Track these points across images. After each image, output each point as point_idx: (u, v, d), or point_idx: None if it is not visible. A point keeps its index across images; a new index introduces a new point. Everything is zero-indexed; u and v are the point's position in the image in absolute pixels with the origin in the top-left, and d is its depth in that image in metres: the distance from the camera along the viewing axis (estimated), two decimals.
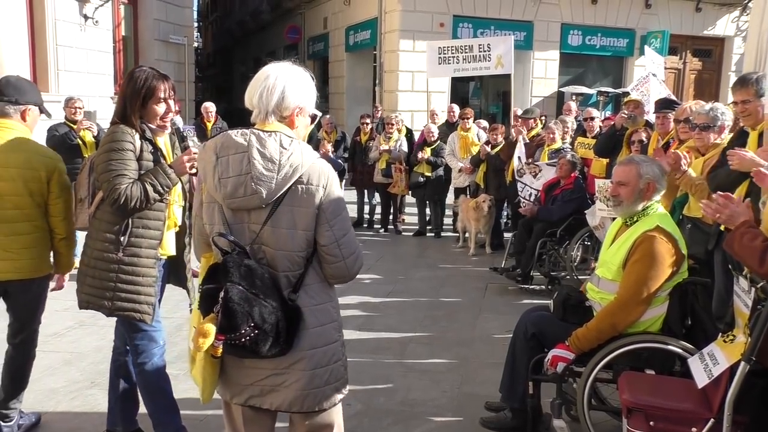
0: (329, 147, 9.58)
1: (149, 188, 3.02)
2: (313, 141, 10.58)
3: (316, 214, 2.20)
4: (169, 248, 3.31)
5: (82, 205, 3.22)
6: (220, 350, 2.10)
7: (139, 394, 3.45)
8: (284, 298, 2.17)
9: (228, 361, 2.27)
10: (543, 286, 6.97)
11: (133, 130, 3.08)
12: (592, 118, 8.09)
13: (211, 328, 2.06)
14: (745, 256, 2.69)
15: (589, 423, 3.35)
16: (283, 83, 2.24)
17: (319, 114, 2.42)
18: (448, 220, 10.18)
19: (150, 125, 3.15)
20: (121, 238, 3.06)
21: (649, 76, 7.46)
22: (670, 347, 3.25)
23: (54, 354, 4.76)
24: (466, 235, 8.92)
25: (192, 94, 17.31)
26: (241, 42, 30.15)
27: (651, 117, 6.74)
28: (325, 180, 2.22)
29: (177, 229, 3.35)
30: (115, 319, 3.26)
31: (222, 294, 2.06)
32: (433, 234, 9.81)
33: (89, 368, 4.56)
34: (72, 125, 7.13)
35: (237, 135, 2.19)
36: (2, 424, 3.56)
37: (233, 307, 2.04)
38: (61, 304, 5.85)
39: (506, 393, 3.71)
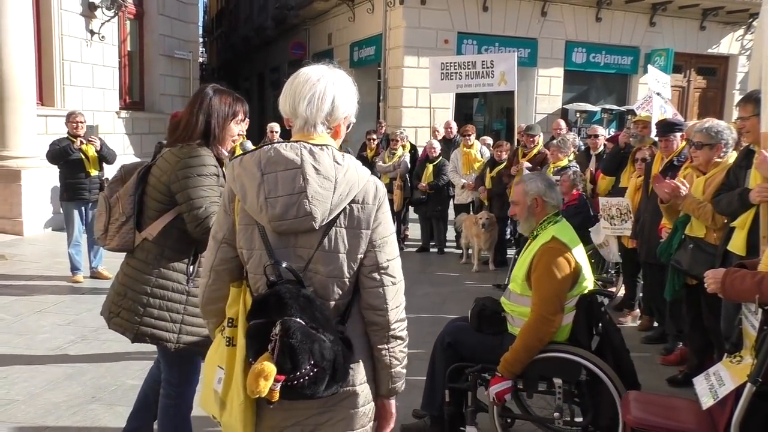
0: None
1: None
2: None
3: (368, 235, 1.96)
4: None
5: (121, 225, 2.92)
6: (277, 394, 1.81)
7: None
8: (336, 329, 1.92)
9: (261, 403, 1.95)
10: None
11: (211, 153, 2.92)
12: (596, 136, 8.08)
13: (272, 369, 1.79)
14: (744, 298, 2.79)
15: (498, 429, 3.53)
16: (334, 90, 1.99)
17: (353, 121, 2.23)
18: (451, 236, 10.16)
19: (222, 148, 2.99)
20: (191, 268, 2.92)
21: (652, 96, 7.45)
22: (575, 357, 3.33)
23: (55, 368, 4.74)
24: (470, 251, 8.90)
25: None
26: (245, 57, 30.32)
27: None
28: (380, 198, 1.99)
29: None
30: (118, 337, 3.07)
31: (278, 329, 1.80)
32: (436, 250, 9.79)
33: (90, 383, 4.53)
34: (74, 140, 7.14)
35: (286, 149, 1.92)
36: None
37: (295, 345, 1.79)
38: (62, 318, 5.86)
39: (426, 401, 3.76)
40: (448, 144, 10.05)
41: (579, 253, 3.44)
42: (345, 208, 1.92)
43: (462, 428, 3.63)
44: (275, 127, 11.12)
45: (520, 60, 12.28)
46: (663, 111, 7.00)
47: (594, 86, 17.41)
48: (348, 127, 2.11)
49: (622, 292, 6.98)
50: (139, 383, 4.45)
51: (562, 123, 10.28)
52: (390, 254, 2.00)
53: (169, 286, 2.89)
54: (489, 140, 10.89)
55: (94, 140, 7.12)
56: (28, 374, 4.63)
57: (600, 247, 6.65)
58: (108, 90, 13.24)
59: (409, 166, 9.72)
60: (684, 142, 5.43)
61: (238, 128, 3.06)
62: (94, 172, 7.10)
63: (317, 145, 1.94)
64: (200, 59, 19.08)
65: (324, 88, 1.97)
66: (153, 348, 3.01)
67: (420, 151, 10.52)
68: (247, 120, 3.14)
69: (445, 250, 9.79)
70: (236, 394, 1.93)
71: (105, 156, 7.29)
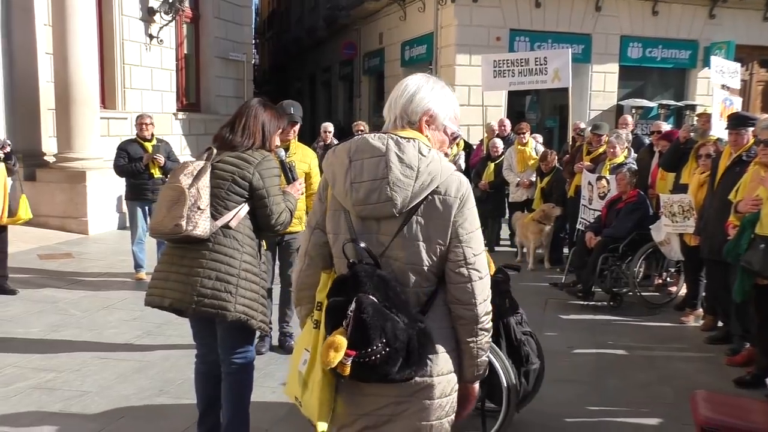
0: None
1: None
2: None
3: (450, 227, 2.00)
4: None
5: (202, 213, 3.12)
6: (348, 368, 1.86)
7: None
8: (414, 316, 1.95)
9: (341, 387, 2.03)
10: (605, 303, 6.84)
11: None
12: (660, 132, 7.89)
13: (343, 342, 1.85)
14: None
15: None
16: (415, 87, 2.09)
17: (460, 134, 2.29)
18: (505, 235, 10.09)
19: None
20: (260, 254, 3.36)
21: (716, 89, 7.25)
22: None
23: (124, 362, 4.90)
24: (524, 250, 8.83)
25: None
26: (297, 58, 30.66)
27: (719, 131, 6.55)
28: (464, 192, 2.01)
29: None
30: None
31: (353, 306, 1.87)
32: (487, 249, 9.73)
33: (157, 377, 4.67)
34: (142, 142, 7.35)
35: (374, 138, 2.03)
36: None
37: (366, 320, 1.85)
38: (128, 314, 6.05)
39: None
40: (503, 141, 9.98)
41: None
42: (427, 197, 1.97)
43: None
44: (329, 127, 11.25)
45: (574, 56, 12.08)
46: (728, 104, 6.81)
47: (650, 82, 17.04)
48: (454, 139, 2.18)
49: (683, 291, 6.83)
50: None
51: (629, 118, 10.03)
52: (476, 249, 2.03)
53: (251, 270, 3.25)
54: (540, 138, 10.78)
55: (159, 158, 7.27)
56: (98, 367, 4.80)
57: (661, 244, 6.53)
58: (166, 92, 13.59)
59: (463, 165, 9.69)
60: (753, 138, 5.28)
61: (277, 140, 3.56)
62: (157, 174, 7.29)
63: (404, 137, 2.03)
64: (253, 60, 19.38)
65: (405, 86, 2.10)
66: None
67: (474, 149, 10.49)
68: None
69: (500, 248, 9.73)
70: (315, 373, 2.01)
71: (168, 170, 7.45)
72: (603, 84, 16.15)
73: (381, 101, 20.09)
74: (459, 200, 2.00)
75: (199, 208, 3.11)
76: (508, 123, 10.59)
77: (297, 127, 5.11)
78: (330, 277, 2.08)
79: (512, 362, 3.60)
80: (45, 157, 10.37)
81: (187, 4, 13.87)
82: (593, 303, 6.84)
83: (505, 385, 3.48)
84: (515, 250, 9.20)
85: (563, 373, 4.97)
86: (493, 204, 9.48)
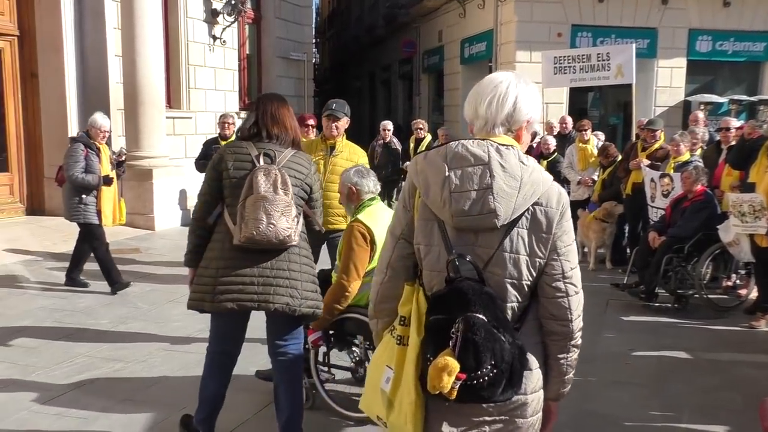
0: None
1: None
2: None
3: (551, 240, 1.92)
4: None
5: (297, 221, 3.38)
6: (456, 392, 1.76)
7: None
8: (514, 334, 1.87)
9: (433, 407, 1.92)
10: (669, 304, 6.66)
11: None
12: (728, 129, 7.62)
13: (456, 365, 1.74)
14: None
15: (317, 379, 4.13)
16: (516, 92, 1.96)
17: (539, 131, 2.24)
18: None
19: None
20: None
21: None
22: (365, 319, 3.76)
23: (188, 355, 5.03)
24: (585, 249, 8.67)
25: (311, 109, 17.89)
26: (356, 57, 30.86)
27: None
28: (564, 204, 1.94)
29: None
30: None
31: (461, 326, 1.76)
32: None
33: None
34: (223, 141, 7.60)
35: (473, 145, 1.91)
36: None
37: (479, 342, 1.75)
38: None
39: None
40: (563, 139, 9.83)
41: (380, 233, 3.79)
42: (528, 209, 1.89)
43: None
44: (388, 125, 11.29)
45: (639, 51, 11.79)
46: None
47: (721, 76, 16.44)
48: (534, 137, 2.12)
49: (754, 294, 6.59)
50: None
51: (700, 115, 9.71)
52: (573, 262, 1.96)
53: (311, 264, 3.53)
54: (601, 135, 10.56)
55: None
56: (163, 359, 4.97)
57: (729, 245, 6.30)
58: (229, 92, 13.90)
59: None
60: None
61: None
62: None
63: (503, 144, 1.93)
64: (313, 60, 19.60)
65: (506, 90, 1.96)
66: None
67: (534, 147, 10.35)
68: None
69: None
70: (406, 393, 1.90)
71: None
72: (669, 79, 15.68)
73: (440, 99, 20.06)
74: (559, 212, 1.93)
75: (296, 217, 3.32)
76: (569, 120, 10.42)
77: (341, 124, 5.14)
78: (415, 291, 1.96)
79: None
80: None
81: (249, 5, 14.15)
82: (656, 305, 6.68)
83: None
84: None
85: (623, 375, 4.88)
86: None
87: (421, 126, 11.26)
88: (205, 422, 3.56)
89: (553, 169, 9.23)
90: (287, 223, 3.23)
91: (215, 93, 13.40)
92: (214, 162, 3.38)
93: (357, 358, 4.13)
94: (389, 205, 11.56)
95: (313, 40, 26.43)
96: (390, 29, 23.98)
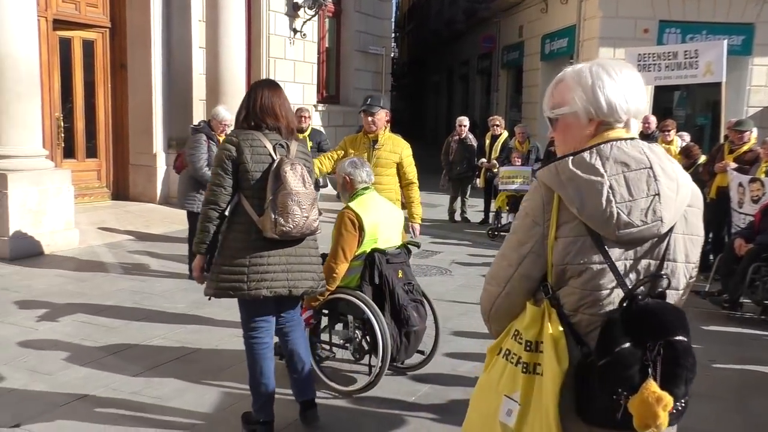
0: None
1: None
2: (505, 151, 10.54)
3: (701, 242, 1.80)
4: None
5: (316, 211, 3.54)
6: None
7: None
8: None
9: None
10: (755, 315, 6.33)
11: None
12: None
13: (669, 398, 1.56)
14: None
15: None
16: (641, 82, 1.81)
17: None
18: None
19: None
20: None
21: None
22: (356, 300, 4.18)
23: None
24: None
25: (388, 104, 17.94)
26: (435, 51, 30.74)
27: None
28: (702, 203, 1.83)
29: None
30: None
31: (665, 351, 1.59)
32: None
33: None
34: (300, 135, 7.72)
35: (628, 147, 1.71)
36: None
37: (688, 368, 1.61)
38: None
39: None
40: (646, 139, 9.43)
41: (369, 220, 4.20)
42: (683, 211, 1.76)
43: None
44: (464, 120, 11.20)
45: (731, 48, 11.24)
46: None
47: None
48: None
49: None
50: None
51: None
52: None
53: (319, 254, 3.76)
54: (686, 136, 10.14)
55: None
56: (234, 344, 5.02)
57: None
58: (307, 84, 14.09)
59: None
60: None
61: None
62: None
63: (630, 139, 1.75)
64: (392, 54, 19.64)
65: (638, 80, 1.80)
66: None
67: None
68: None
69: None
70: (543, 429, 1.68)
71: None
72: (766, 78, 14.89)
73: (518, 96, 19.74)
74: (702, 212, 1.82)
75: (317, 208, 3.51)
76: (653, 120, 10.05)
77: (378, 117, 5.13)
78: (542, 311, 1.74)
79: (395, 324, 4.21)
80: None
81: None
82: (741, 314, 6.36)
83: (381, 342, 4.07)
84: None
85: (701, 387, 4.65)
86: None
87: (497, 122, 11.11)
88: (263, 409, 3.61)
89: None
90: (316, 214, 3.44)
91: (294, 85, 13.61)
92: (229, 152, 3.37)
93: (347, 336, 4.37)
94: (462, 203, 11.50)
95: (392, 34, 26.48)
96: (470, 24, 23.77)
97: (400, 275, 4.35)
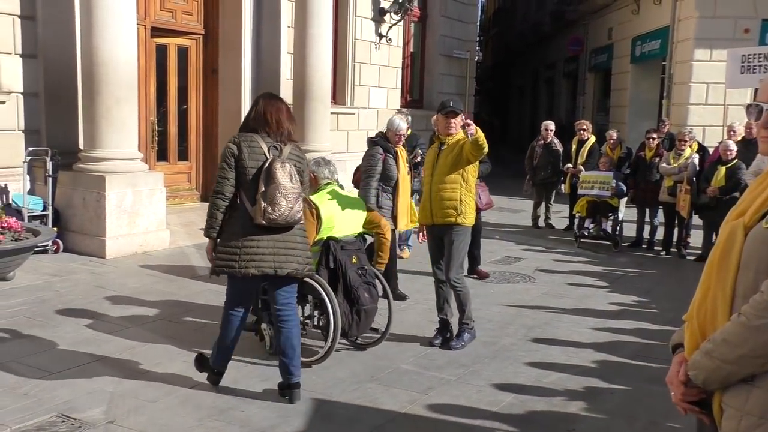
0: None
1: None
2: (592, 156, 10.24)
3: None
4: None
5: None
6: None
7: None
8: None
9: None
10: None
11: None
12: None
13: None
14: None
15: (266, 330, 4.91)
16: None
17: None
18: None
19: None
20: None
21: None
22: (313, 282, 4.65)
23: (340, 346, 5.13)
24: None
25: (472, 107, 17.79)
26: (519, 55, 30.31)
27: None
28: None
29: None
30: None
31: None
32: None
33: (369, 362, 4.87)
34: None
35: None
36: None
37: None
38: None
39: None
40: (748, 146, 8.98)
41: (326, 210, 4.81)
42: None
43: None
44: (550, 125, 10.95)
45: None
46: None
47: None
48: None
49: None
50: (414, 369, 4.70)
51: None
52: None
53: (307, 242, 4.28)
54: None
55: (417, 157, 7.77)
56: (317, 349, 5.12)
57: None
58: (391, 89, 14.15)
59: (697, 168, 8.90)
60: None
61: None
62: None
63: None
64: (477, 58, 19.48)
65: None
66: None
67: (710, 152, 9.60)
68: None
69: None
70: None
71: (420, 165, 7.96)
72: None
73: (606, 99, 19.21)
74: None
75: (301, 200, 4.08)
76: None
77: (459, 120, 5.07)
78: None
79: (347, 303, 4.76)
80: None
81: (416, 3, 14.30)
82: None
83: (332, 319, 4.57)
84: None
85: None
86: (724, 211, 8.57)
87: (585, 127, 10.79)
88: (221, 363, 4.28)
89: (733, 176, 8.49)
90: (299, 206, 4.00)
91: (378, 90, 13.69)
92: (231, 150, 4.00)
93: (307, 314, 4.93)
94: (546, 208, 11.24)
95: (477, 38, 26.27)
96: (556, 26, 23.30)
97: (354, 261, 4.92)
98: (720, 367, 1.59)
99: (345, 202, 5.01)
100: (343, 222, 4.93)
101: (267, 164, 3.93)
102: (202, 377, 4.40)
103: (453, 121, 5.09)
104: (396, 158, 6.46)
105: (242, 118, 10.76)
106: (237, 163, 3.98)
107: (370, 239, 5.33)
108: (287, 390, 4.16)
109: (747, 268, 1.59)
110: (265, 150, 4.00)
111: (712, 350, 1.61)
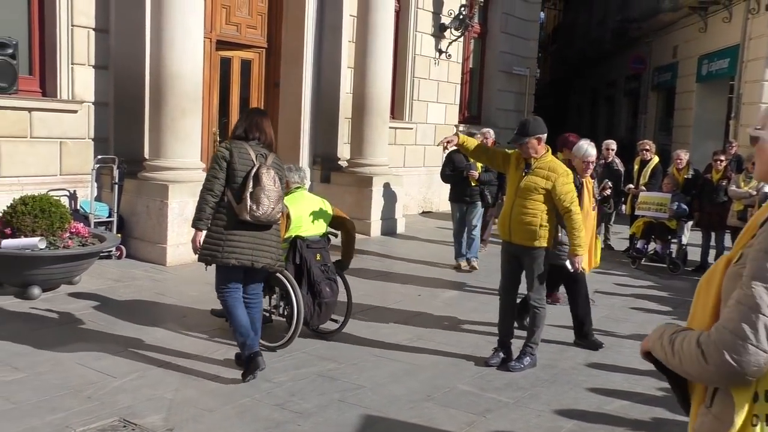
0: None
1: None
2: (655, 177, 9.98)
3: None
4: None
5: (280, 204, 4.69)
6: None
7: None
8: None
9: None
10: None
11: None
12: None
13: None
14: None
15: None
16: None
17: None
18: None
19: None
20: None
21: None
22: (280, 276, 5.12)
23: (396, 363, 5.13)
24: None
25: (539, 128, 17.56)
26: (578, 72, 29.89)
27: None
28: None
29: None
30: None
31: None
32: None
33: (427, 381, 4.80)
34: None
35: None
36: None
37: None
38: (402, 316, 6.34)
39: None
40: None
41: (295, 211, 5.32)
42: None
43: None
44: (611, 144, 10.71)
45: None
46: None
47: None
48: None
49: None
50: (471, 389, 4.62)
51: None
52: None
53: (279, 240, 4.86)
54: None
55: (473, 173, 8.27)
56: (373, 364, 5.09)
57: None
58: (450, 105, 14.11)
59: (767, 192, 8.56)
60: None
61: None
62: (473, 183, 8.40)
63: None
64: (535, 75, 19.26)
65: None
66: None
67: None
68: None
69: None
70: None
71: (485, 181, 8.48)
72: None
73: (669, 119, 18.77)
74: None
75: (282, 203, 4.69)
76: None
77: (532, 144, 5.02)
78: None
79: (310, 296, 5.24)
80: (339, 162, 11.36)
81: (476, 20, 14.25)
82: None
83: (296, 309, 5.09)
84: None
85: None
86: None
87: (648, 147, 10.52)
88: (247, 345, 4.54)
89: None
90: (279, 208, 4.58)
91: (436, 105, 13.67)
92: (223, 154, 4.50)
93: (273, 304, 5.53)
94: (606, 229, 10.97)
95: (537, 55, 26.06)
96: (618, 44, 22.89)
97: (318, 258, 5.41)
98: (667, 361, 1.71)
99: (312, 205, 5.58)
100: (309, 223, 5.47)
101: (255, 169, 4.47)
102: (262, 389, 4.42)
103: (521, 148, 5.08)
104: (581, 190, 5.70)
105: (302, 131, 11.15)
106: (228, 165, 4.49)
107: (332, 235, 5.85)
108: (252, 360, 4.50)
109: (724, 301, 1.63)
110: (253, 157, 4.55)
111: (666, 346, 1.70)
